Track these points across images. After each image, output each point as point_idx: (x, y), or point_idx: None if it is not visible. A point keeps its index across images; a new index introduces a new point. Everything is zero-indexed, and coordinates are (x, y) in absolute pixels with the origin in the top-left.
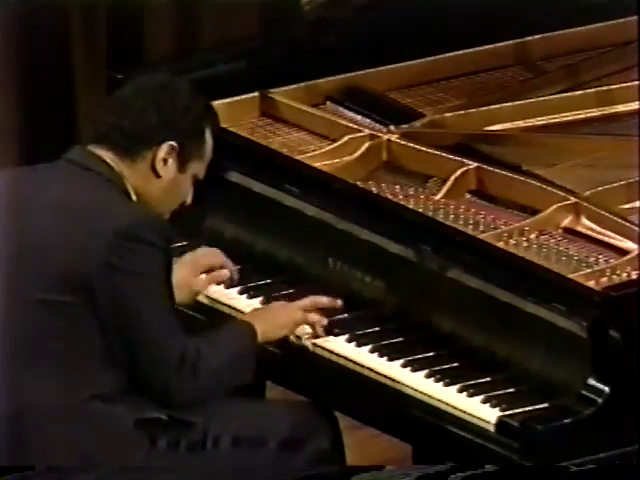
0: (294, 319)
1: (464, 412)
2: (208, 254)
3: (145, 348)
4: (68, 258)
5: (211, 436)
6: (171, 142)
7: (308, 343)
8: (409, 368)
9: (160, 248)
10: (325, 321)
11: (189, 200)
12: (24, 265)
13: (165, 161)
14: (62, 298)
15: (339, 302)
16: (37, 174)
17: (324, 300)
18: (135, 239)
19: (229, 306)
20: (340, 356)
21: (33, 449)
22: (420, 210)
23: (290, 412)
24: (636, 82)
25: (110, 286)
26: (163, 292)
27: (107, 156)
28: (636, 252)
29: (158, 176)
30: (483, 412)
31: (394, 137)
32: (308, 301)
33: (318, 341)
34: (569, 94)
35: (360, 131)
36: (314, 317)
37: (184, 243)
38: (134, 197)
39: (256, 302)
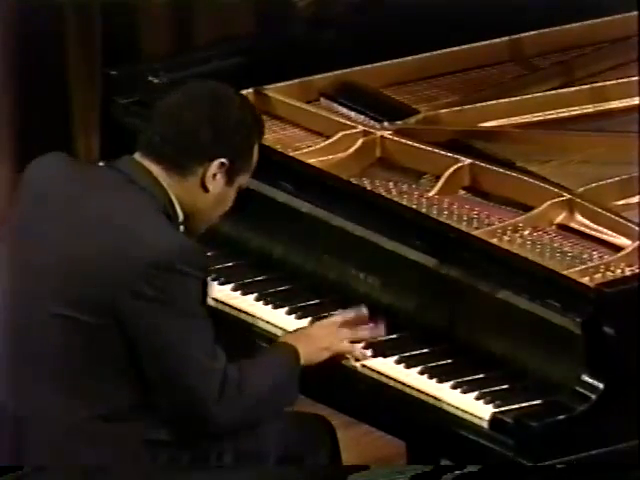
0: (339, 349)
1: (458, 409)
2: None
3: (182, 377)
4: (95, 278)
5: (214, 454)
6: (223, 159)
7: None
8: (403, 365)
9: (195, 277)
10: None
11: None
12: (48, 274)
13: (214, 176)
14: (81, 316)
15: (365, 311)
16: (82, 177)
17: (351, 314)
18: (169, 269)
19: (227, 304)
20: None
21: (30, 458)
22: (414, 207)
23: (289, 426)
24: (631, 78)
25: (142, 315)
26: (199, 320)
27: (155, 169)
28: (630, 249)
29: (206, 191)
30: (477, 408)
31: (388, 133)
32: (340, 318)
33: None
34: (563, 90)
35: (354, 127)
36: (357, 347)
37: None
38: (179, 211)
39: (251, 298)
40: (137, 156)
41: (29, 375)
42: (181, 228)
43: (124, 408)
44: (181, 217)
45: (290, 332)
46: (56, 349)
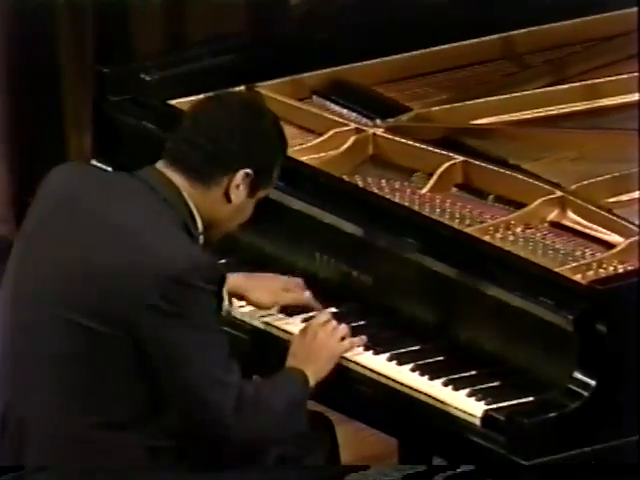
0: (342, 350)
1: (450, 406)
2: (297, 292)
3: (197, 391)
4: (110, 288)
5: (214, 456)
6: (248, 170)
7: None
8: (394, 362)
9: (210, 291)
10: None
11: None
12: (61, 279)
13: (238, 187)
14: (92, 324)
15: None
16: (102, 185)
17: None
18: (185, 284)
19: None
20: None
21: (30, 458)
22: (406, 204)
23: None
24: (623, 76)
25: (157, 329)
26: (214, 334)
27: (178, 179)
28: (622, 246)
29: (229, 201)
30: (469, 406)
31: (380, 131)
32: (325, 318)
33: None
34: (555, 88)
35: (346, 125)
36: (355, 342)
37: (221, 261)
38: (199, 222)
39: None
40: (159, 165)
41: (32, 376)
42: (200, 239)
43: (124, 417)
44: (201, 228)
45: (291, 354)
46: (61, 353)
